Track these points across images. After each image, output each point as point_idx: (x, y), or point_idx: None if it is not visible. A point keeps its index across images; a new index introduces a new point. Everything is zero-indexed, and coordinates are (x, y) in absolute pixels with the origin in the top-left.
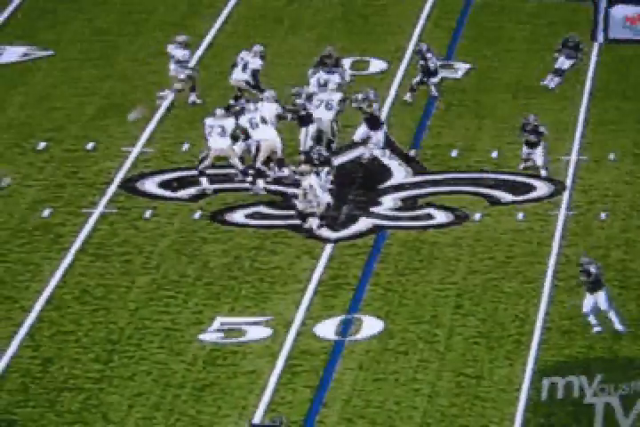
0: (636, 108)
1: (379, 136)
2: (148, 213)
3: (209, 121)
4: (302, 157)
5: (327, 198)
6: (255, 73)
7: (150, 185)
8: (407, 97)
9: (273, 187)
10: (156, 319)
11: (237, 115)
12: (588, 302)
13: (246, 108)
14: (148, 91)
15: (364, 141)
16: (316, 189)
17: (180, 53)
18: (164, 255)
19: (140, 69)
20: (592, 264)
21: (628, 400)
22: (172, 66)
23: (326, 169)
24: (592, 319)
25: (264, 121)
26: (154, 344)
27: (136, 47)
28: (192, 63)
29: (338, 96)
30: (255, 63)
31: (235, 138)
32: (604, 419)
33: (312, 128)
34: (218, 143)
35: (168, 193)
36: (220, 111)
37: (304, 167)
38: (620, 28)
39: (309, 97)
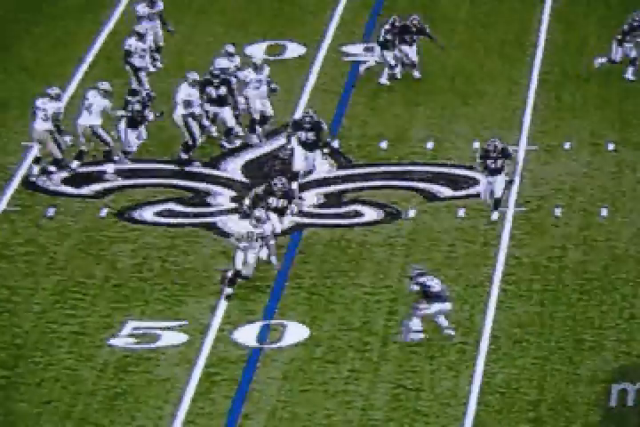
0: (595, 92)
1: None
2: (51, 211)
3: (37, 102)
4: (260, 190)
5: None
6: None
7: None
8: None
9: (182, 182)
10: (63, 323)
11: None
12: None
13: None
14: (49, 82)
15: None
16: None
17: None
18: (70, 255)
19: (42, 60)
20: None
21: None
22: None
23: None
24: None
25: (88, 109)
26: (62, 349)
27: (37, 36)
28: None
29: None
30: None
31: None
32: None
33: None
34: (39, 126)
35: (71, 190)
36: (52, 92)
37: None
38: None
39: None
